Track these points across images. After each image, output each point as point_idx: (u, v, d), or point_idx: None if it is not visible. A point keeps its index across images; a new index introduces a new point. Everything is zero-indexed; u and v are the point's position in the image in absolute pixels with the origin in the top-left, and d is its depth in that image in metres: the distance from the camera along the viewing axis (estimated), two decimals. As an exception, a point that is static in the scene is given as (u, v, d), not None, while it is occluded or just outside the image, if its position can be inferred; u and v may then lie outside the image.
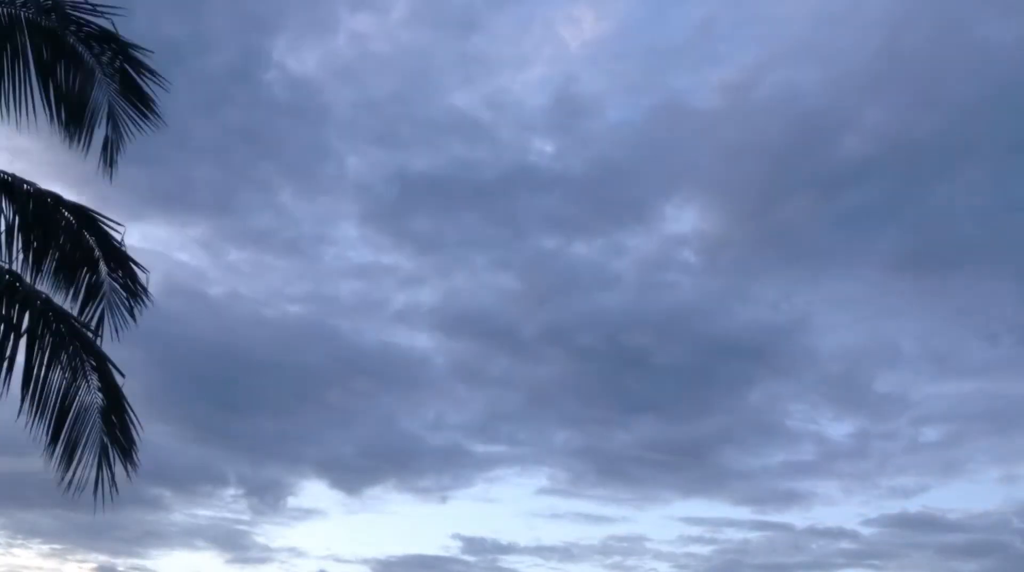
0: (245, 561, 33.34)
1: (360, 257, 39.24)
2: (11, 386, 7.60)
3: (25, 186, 8.39)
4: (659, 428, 36.71)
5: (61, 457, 7.99)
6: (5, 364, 7.49)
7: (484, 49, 36.78)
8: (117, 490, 8.01)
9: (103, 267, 8.95)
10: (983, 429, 35.90)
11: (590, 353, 36.05)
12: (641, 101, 40.59)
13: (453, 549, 34.19)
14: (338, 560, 33.96)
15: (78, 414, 8.06)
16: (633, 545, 34.35)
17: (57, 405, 7.94)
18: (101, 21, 8.28)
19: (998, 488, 38.04)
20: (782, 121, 34.53)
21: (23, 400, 7.71)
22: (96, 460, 8.04)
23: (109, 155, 8.82)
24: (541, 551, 34.15)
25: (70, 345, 7.90)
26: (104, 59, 8.46)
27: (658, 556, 34.08)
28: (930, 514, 33.94)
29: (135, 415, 8.13)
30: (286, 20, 35.04)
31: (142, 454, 8.25)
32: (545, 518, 36.75)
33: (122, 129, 8.81)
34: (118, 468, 8.15)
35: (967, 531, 33.57)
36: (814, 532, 34.38)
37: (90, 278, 8.93)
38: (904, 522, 33.93)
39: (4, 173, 8.44)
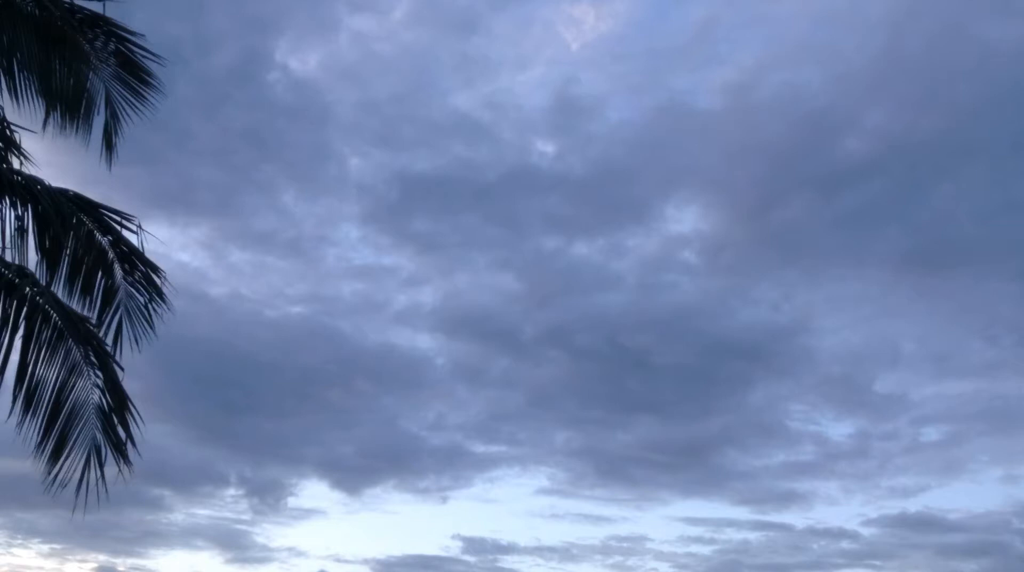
0: (245, 561, 33.41)
1: (361, 258, 39.72)
2: (5, 383, 7.57)
3: (38, 186, 8.22)
4: (659, 428, 36.80)
5: (50, 455, 7.86)
6: (0, 359, 7.44)
7: (485, 50, 36.80)
8: (107, 490, 7.88)
9: (118, 270, 8.75)
10: (983, 429, 35.90)
11: (590, 353, 36.07)
12: (642, 102, 40.60)
13: (453, 549, 34.15)
14: (338, 560, 33.97)
15: (71, 412, 7.94)
16: (634, 545, 34.28)
17: (50, 402, 7.84)
18: (93, 5, 8.24)
19: (998, 488, 38.18)
20: (783, 121, 34.50)
21: (15, 397, 7.65)
22: (85, 458, 7.90)
23: (108, 139, 8.69)
24: (541, 551, 34.09)
25: (69, 339, 7.84)
26: (98, 44, 8.38)
27: (659, 556, 34.01)
28: (930, 514, 33.88)
29: (137, 411, 8.05)
30: (288, 21, 35.30)
31: (143, 454, 8.14)
32: (545, 518, 36.48)
33: (119, 113, 8.68)
34: (115, 468, 8.06)
35: (967, 531, 33.52)
36: (814, 532, 34.32)
37: (106, 282, 8.70)
38: (904, 522, 33.86)
39: (15, 172, 8.31)
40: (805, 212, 35.83)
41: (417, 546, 38.33)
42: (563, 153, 36.39)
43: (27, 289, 7.89)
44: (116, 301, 8.72)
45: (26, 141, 8.51)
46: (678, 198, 37.72)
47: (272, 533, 33.65)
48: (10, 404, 7.70)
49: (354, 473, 34.84)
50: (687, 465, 36.72)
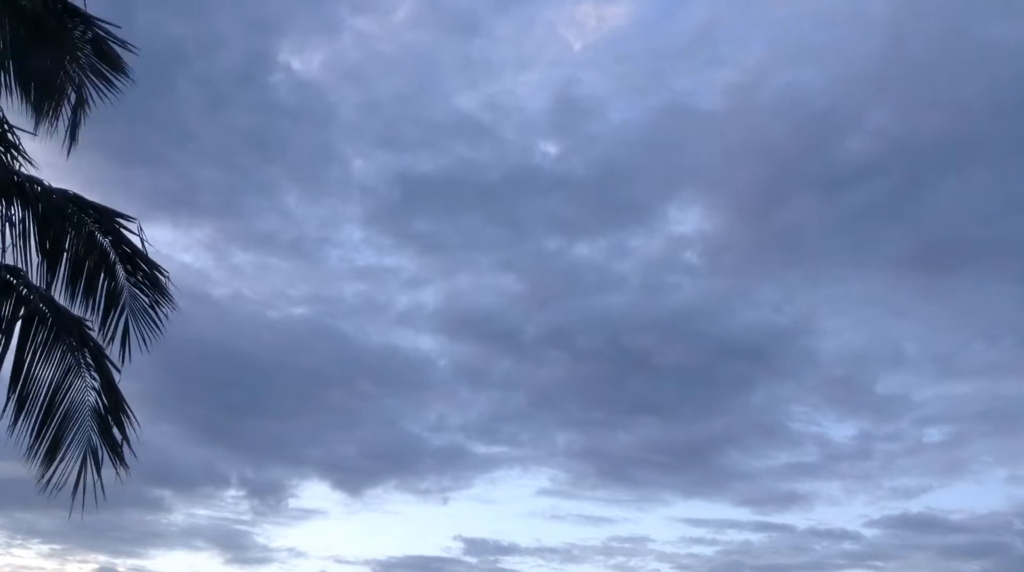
0: (245, 561, 33.28)
1: (364, 259, 39.65)
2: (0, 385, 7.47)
3: (37, 187, 8.16)
4: (661, 429, 36.54)
5: (44, 457, 7.80)
6: None
7: (487, 51, 36.44)
8: (104, 492, 7.80)
9: (120, 271, 8.61)
10: (986, 430, 35.59)
11: (592, 354, 35.79)
12: (644, 102, 40.06)
13: (454, 550, 33.91)
14: (339, 561, 33.77)
15: (66, 413, 7.88)
16: (635, 546, 34.11)
17: (44, 404, 7.78)
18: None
19: (1001, 489, 38.26)
20: (785, 122, 34.13)
21: (8, 398, 7.60)
22: (80, 460, 7.83)
23: (74, 126, 8.60)
24: (542, 552, 33.93)
25: (65, 341, 7.79)
26: (76, 33, 8.33)
27: (660, 557, 33.82)
28: (932, 515, 33.56)
29: (132, 413, 7.95)
30: (290, 22, 35.31)
31: (144, 455, 8.07)
32: (547, 519, 36.09)
33: (88, 99, 8.59)
34: (112, 469, 7.97)
35: (970, 532, 33.27)
36: (816, 533, 34.04)
37: (108, 284, 8.55)
38: (906, 523, 33.54)
39: (14, 173, 8.21)
40: (807, 213, 35.67)
41: (418, 547, 38.12)
42: (565, 154, 36.25)
43: (22, 290, 7.84)
44: (120, 303, 8.61)
45: (25, 142, 8.55)
46: (680, 199, 37.57)
47: (272, 534, 33.58)
48: (3, 406, 7.66)
49: (355, 474, 34.76)
50: (689, 466, 36.60)
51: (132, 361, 8.36)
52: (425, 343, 37.93)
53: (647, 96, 38.39)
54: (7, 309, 7.60)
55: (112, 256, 8.64)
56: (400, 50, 35.88)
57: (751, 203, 36.57)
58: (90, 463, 7.84)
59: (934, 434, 35.59)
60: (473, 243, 37.01)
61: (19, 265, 8.08)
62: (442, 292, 37.16)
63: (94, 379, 7.97)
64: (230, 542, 32.85)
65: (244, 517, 33.41)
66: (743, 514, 37.89)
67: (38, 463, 7.79)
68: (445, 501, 35.08)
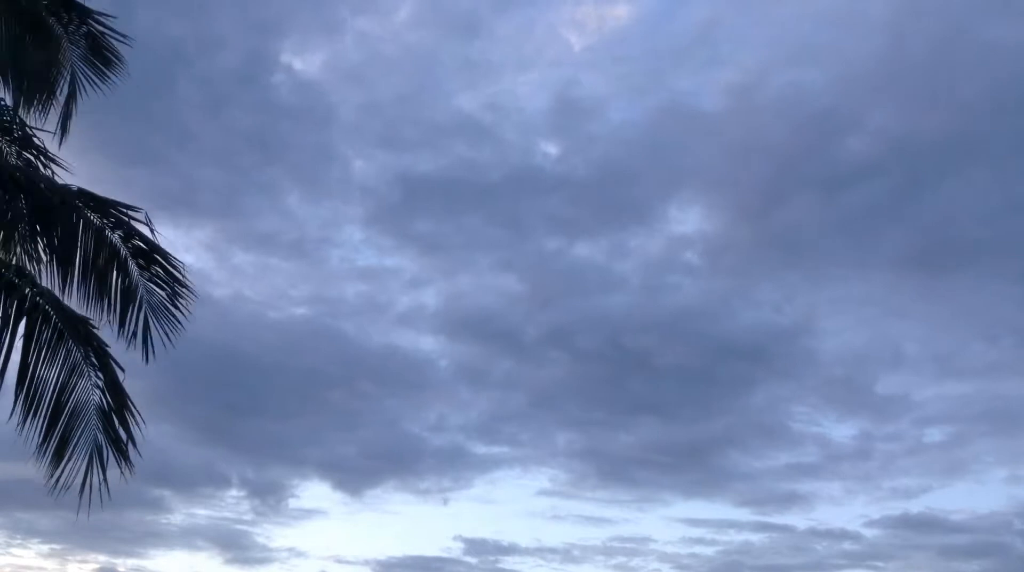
0: (245, 561, 33.38)
1: (364, 259, 39.85)
2: (5, 385, 7.48)
3: (41, 184, 8.04)
4: (661, 430, 36.60)
5: (52, 456, 7.76)
6: (0, 360, 7.37)
7: (488, 52, 36.41)
8: (109, 491, 7.76)
9: (133, 267, 8.43)
10: (986, 430, 35.63)
11: (593, 355, 35.84)
12: (644, 103, 40.12)
13: (454, 550, 34.05)
14: (339, 561, 33.90)
15: (72, 412, 7.85)
16: (636, 546, 34.19)
17: (52, 403, 7.75)
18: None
19: (1002, 489, 38.21)
20: (785, 122, 34.11)
21: (16, 399, 7.58)
22: (87, 459, 7.80)
23: (66, 117, 8.64)
24: (543, 552, 33.99)
25: (69, 340, 7.76)
26: (71, 27, 8.35)
27: (661, 558, 33.90)
28: (932, 515, 33.48)
29: (137, 410, 7.93)
30: (292, 23, 35.26)
31: (145, 455, 8.03)
32: (547, 519, 36.35)
33: (79, 91, 8.65)
34: (116, 468, 7.95)
35: (970, 532, 33.17)
36: (816, 533, 33.99)
37: (122, 281, 8.35)
38: (906, 523, 33.49)
39: (17, 167, 8.14)
40: (807, 213, 35.63)
41: (418, 547, 38.42)
42: (566, 154, 36.25)
43: (27, 289, 7.81)
44: (137, 299, 8.44)
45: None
46: (680, 199, 37.56)
47: (272, 533, 33.68)
48: (11, 406, 7.65)
49: (356, 474, 34.86)
50: (689, 466, 36.65)
51: (131, 361, 8.33)
52: (426, 343, 38.25)
53: (647, 96, 38.51)
54: (12, 308, 7.57)
55: (123, 252, 8.48)
56: (401, 51, 36.00)
57: (751, 203, 36.63)
58: (96, 462, 7.83)
59: (934, 434, 35.86)
60: (474, 243, 37.15)
61: (27, 265, 7.97)
62: (443, 292, 37.32)
63: (99, 378, 7.95)
64: (230, 542, 32.94)
65: (244, 517, 33.58)
66: (743, 514, 38.12)
67: (46, 463, 7.79)
68: (445, 501, 35.25)
